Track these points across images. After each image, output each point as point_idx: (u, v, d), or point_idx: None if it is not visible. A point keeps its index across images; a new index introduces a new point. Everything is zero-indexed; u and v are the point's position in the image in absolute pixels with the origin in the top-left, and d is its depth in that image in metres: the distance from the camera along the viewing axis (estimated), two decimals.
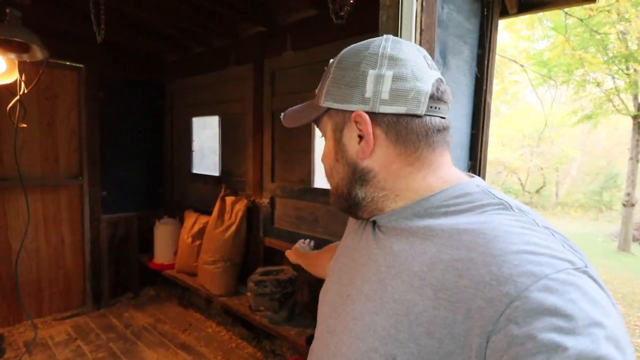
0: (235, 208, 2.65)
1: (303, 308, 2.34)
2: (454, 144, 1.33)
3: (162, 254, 3.09)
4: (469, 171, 1.47)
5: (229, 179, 2.91)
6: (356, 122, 0.50)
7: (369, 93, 0.48)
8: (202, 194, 3.16)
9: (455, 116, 1.30)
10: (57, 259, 2.90)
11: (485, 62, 1.33)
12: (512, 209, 0.45)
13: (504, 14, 1.43)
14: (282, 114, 0.62)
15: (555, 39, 6.51)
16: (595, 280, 0.38)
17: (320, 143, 2.23)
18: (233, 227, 2.58)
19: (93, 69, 2.91)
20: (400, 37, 0.86)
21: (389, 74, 0.47)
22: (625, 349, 0.34)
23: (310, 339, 1.84)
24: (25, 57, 1.89)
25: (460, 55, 1.22)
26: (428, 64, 0.50)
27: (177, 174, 3.45)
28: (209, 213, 2.81)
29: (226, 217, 2.67)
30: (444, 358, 0.40)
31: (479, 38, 1.31)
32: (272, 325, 2.17)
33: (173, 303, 3.18)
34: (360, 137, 0.50)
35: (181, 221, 3.10)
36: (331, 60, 0.54)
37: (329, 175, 0.58)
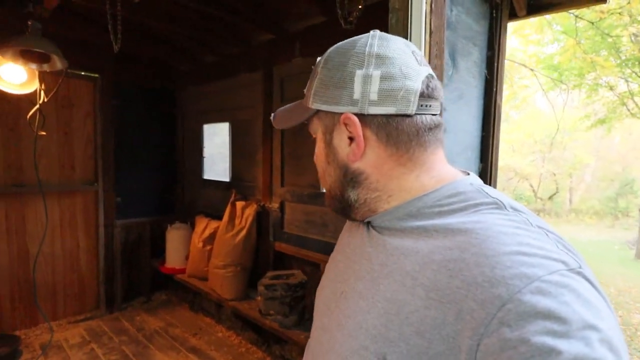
0: (245, 213, 2.68)
1: (313, 312, 2.34)
2: (464, 147, 1.33)
3: (173, 259, 3.12)
4: (480, 174, 1.47)
5: (239, 184, 2.94)
6: (345, 125, 0.49)
7: (357, 94, 0.47)
8: (213, 200, 3.20)
9: (466, 118, 1.31)
10: (72, 263, 2.96)
11: (495, 64, 1.33)
12: (505, 208, 0.45)
13: (513, 16, 1.44)
14: (272, 114, 0.61)
15: (566, 42, 6.45)
16: (589, 281, 0.37)
17: None
18: (243, 232, 2.60)
19: (108, 78, 3.00)
20: (410, 39, 0.88)
21: (376, 73, 0.46)
22: (619, 351, 0.33)
23: None
24: (46, 67, 1.96)
25: (470, 57, 1.23)
26: (417, 59, 0.49)
27: (189, 180, 3.50)
28: (220, 218, 2.84)
29: (236, 221, 2.70)
30: (433, 358, 0.39)
31: (488, 40, 1.32)
32: (282, 329, 2.17)
33: (184, 307, 3.21)
34: (351, 139, 0.49)
35: (192, 226, 3.14)
36: (318, 59, 0.53)
37: (322, 177, 0.57)
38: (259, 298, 2.30)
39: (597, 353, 0.32)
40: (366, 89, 0.47)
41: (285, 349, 2.47)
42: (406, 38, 0.89)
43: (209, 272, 2.72)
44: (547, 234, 0.42)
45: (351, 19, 1.40)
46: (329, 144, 0.53)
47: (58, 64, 1.93)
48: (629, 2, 4.95)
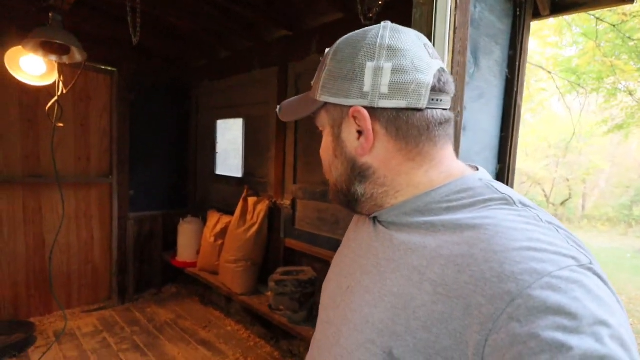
0: (257, 209, 2.69)
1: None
2: (483, 146, 1.31)
3: (185, 252, 3.16)
4: (497, 175, 1.45)
5: (251, 180, 2.95)
6: (355, 118, 0.48)
7: (367, 87, 0.46)
8: (225, 195, 3.22)
9: (485, 118, 1.29)
10: (87, 254, 3.01)
11: (517, 64, 1.31)
12: (515, 203, 0.44)
13: (536, 15, 1.41)
14: (278, 107, 0.60)
15: (585, 45, 6.31)
16: (600, 277, 0.37)
17: None
18: (255, 228, 2.61)
19: (125, 72, 3.04)
20: (434, 35, 0.87)
21: (388, 66, 0.45)
22: (630, 347, 0.33)
23: None
24: (65, 59, 1.99)
25: (492, 55, 1.21)
26: (429, 52, 0.48)
27: (201, 175, 3.53)
28: (231, 213, 2.86)
29: (248, 217, 2.71)
30: (439, 352, 0.39)
31: (511, 39, 1.30)
32: (291, 324, 2.17)
33: (194, 300, 3.24)
34: (360, 133, 0.49)
35: (204, 221, 3.17)
36: (327, 50, 0.52)
37: (328, 171, 0.56)
38: (269, 293, 2.31)
39: (607, 349, 0.31)
40: (377, 82, 0.45)
41: (294, 345, 2.47)
42: (430, 33, 0.88)
43: (220, 266, 2.74)
44: (557, 230, 0.41)
45: (371, 14, 1.39)
46: (337, 137, 0.52)
47: (77, 56, 1.95)
48: None
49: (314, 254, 2.40)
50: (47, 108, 2.04)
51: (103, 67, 2.98)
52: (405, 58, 0.45)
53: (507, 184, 1.46)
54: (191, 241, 3.14)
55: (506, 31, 1.29)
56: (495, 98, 1.32)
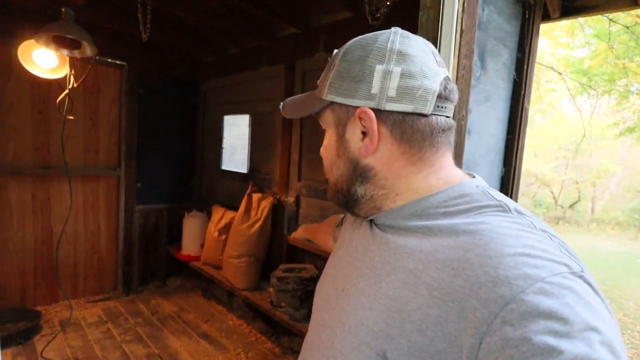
0: (261, 205, 2.71)
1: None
2: (488, 149, 1.31)
3: (189, 246, 3.19)
4: (502, 178, 1.44)
5: (256, 176, 2.97)
6: (360, 119, 0.49)
7: (375, 89, 0.47)
8: (230, 190, 3.24)
9: (491, 121, 1.28)
10: (93, 245, 3.06)
11: (525, 67, 1.30)
12: (510, 211, 0.45)
13: (546, 17, 1.39)
14: (282, 103, 0.60)
15: (597, 46, 6.21)
16: (590, 285, 0.37)
17: None
18: (258, 224, 2.63)
19: (135, 67, 3.06)
20: (440, 38, 0.86)
21: (397, 70, 0.46)
22: (620, 354, 0.33)
23: None
24: (76, 53, 2.02)
25: (499, 58, 1.20)
26: (437, 60, 0.49)
27: (207, 170, 3.55)
28: (236, 209, 2.88)
29: (252, 213, 2.73)
30: (433, 356, 0.40)
31: (519, 42, 1.29)
32: (292, 321, 2.19)
33: (197, 294, 3.28)
34: (364, 134, 0.49)
35: (209, 215, 3.20)
36: (335, 51, 0.52)
37: (328, 170, 0.57)
38: (270, 289, 2.33)
39: (597, 354, 0.32)
40: (385, 85, 0.46)
41: (294, 341, 2.49)
42: (436, 37, 0.88)
43: (223, 261, 2.77)
44: (550, 238, 0.42)
45: (378, 15, 1.39)
46: (341, 136, 0.52)
47: (88, 50, 1.98)
48: None
49: (317, 252, 2.42)
50: (57, 101, 2.07)
51: (113, 61, 3.01)
52: (414, 64, 0.46)
53: (513, 188, 1.45)
54: (195, 235, 3.17)
55: (514, 33, 1.27)
56: (502, 101, 1.31)
